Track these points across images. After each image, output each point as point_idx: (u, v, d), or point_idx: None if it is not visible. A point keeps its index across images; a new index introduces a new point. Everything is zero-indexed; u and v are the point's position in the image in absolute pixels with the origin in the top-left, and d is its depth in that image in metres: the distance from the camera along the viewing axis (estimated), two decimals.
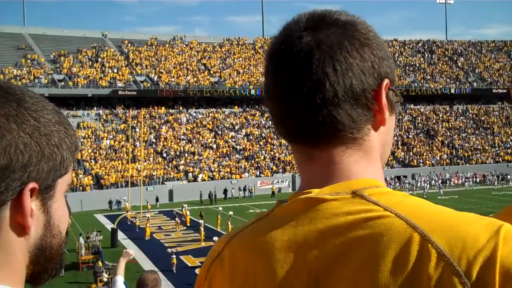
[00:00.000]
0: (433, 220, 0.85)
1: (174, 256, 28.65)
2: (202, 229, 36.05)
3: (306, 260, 0.91)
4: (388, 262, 0.84)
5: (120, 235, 36.90)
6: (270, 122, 73.80)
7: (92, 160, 57.64)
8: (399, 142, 74.51)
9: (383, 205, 0.90)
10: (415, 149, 72.61)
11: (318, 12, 1.00)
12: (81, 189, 52.26)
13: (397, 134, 76.69)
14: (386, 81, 1.00)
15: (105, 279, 25.56)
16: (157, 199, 51.79)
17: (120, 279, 5.69)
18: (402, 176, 64.09)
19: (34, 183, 0.89)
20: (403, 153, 71.68)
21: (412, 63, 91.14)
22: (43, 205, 0.91)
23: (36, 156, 0.89)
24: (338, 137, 0.97)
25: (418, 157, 70.35)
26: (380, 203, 0.91)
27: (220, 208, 44.16)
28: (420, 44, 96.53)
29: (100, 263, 27.15)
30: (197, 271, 27.58)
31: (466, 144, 74.22)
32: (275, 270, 0.94)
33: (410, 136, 75.99)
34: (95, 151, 59.58)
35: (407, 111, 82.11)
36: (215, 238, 31.97)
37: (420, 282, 0.81)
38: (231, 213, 39.84)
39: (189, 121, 71.03)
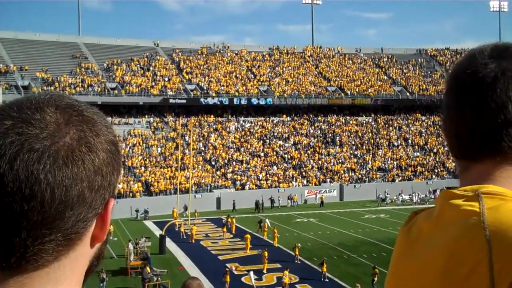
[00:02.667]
0: (507, 229, 0.96)
1: (228, 273, 27.88)
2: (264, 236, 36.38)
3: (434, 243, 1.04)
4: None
5: (168, 242, 37.44)
6: (318, 131, 73.69)
7: (142, 167, 58.67)
8: (450, 152, 73.02)
9: (481, 207, 1.01)
10: None
11: (500, 43, 1.14)
12: (131, 195, 53.27)
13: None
14: None
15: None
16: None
17: None
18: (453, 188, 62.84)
19: (112, 199, 0.98)
20: (453, 164, 70.26)
21: None
22: None
23: (116, 173, 0.97)
24: (497, 155, 1.11)
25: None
26: (482, 203, 1.02)
27: (262, 217, 44.33)
28: None
29: (148, 269, 27.61)
30: (243, 279, 27.84)
31: None
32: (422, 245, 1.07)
33: None
34: (145, 158, 60.64)
35: None
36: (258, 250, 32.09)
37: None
38: (267, 221, 40.16)
39: (238, 129, 71.55)
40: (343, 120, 77.95)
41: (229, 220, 43.36)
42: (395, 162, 69.44)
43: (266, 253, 30.61)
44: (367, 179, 65.27)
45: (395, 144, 74.25)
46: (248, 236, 36.27)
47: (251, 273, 27.19)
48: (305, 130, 73.99)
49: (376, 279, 26.17)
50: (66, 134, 0.92)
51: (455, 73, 1.15)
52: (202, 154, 63.91)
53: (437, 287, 0.98)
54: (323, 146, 71.05)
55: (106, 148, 0.96)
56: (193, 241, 38.80)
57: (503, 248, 0.93)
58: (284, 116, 76.22)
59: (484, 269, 0.93)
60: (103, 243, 1.01)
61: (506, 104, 1.07)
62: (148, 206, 50.49)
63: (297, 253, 32.34)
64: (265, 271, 30.19)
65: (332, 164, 66.79)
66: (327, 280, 28.41)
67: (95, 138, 0.95)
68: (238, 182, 59.38)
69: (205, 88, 74.28)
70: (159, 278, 27.43)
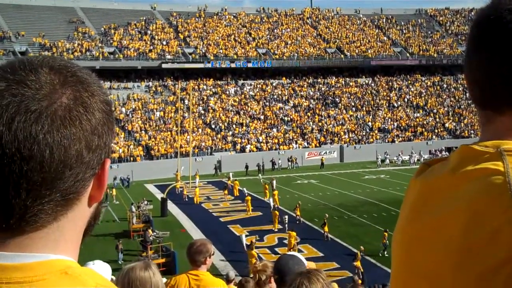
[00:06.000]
0: None
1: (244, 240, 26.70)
2: (276, 197, 36.39)
3: (453, 200, 0.98)
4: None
5: (170, 205, 37.66)
6: (318, 93, 73.46)
7: (143, 131, 58.65)
8: (450, 112, 73.05)
9: (505, 166, 0.96)
10: (466, 119, 71.13)
11: None
12: (131, 159, 53.41)
13: (448, 104, 75.20)
14: None
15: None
16: (216, 169, 53.18)
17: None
18: (453, 148, 62.99)
19: (108, 159, 0.99)
20: (454, 124, 70.32)
21: (465, 32, 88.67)
22: None
23: (111, 134, 0.98)
24: None
25: (470, 128, 68.90)
26: (506, 162, 0.97)
27: (260, 177, 44.52)
28: (473, 13, 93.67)
29: (150, 231, 27.80)
30: (244, 239, 27.99)
31: None
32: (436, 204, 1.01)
33: (461, 106, 74.41)
34: (145, 122, 60.56)
35: (459, 81, 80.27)
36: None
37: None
38: (274, 182, 40.06)
39: (237, 92, 71.29)
40: (343, 82, 77.59)
41: (230, 182, 43.56)
42: (395, 123, 69.36)
43: (294, 234, 27.12)
44: (367, 140, 65.31)
45: (395, 105, 74.06)
46: (249, 198, 36.44)
47: (243, 236, 27.46)
48: (304, 92, 73.71)
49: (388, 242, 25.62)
50: (63, 94, 0.91)
51: (478, 19, 1.10)
52: (202, 118, 63.80)
53: (458, 245, 0.94)
54: (323, 108, 70.88)
55: (101, 108, 0.96)
56: (198, 203, 39.07)
57: None
58: (284, 78, 75.84)
59: (507, 232, 0.89)
60: (100, 203, 1.02)
61: None
62: (148, 170, 50.64)
63: (298, 213, 32.55)
64: (276, 229, 30.63)
65: (332, 125, 66.74)
66: (328, 240, 28.64)
67: (91, 98, 0.95)
68: (238, 145, 59.43)
69: (203, 51, 73.73)
70: (161, 240, 27.65)
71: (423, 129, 68.61)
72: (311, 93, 74.00)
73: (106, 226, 32.08)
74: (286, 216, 31.19)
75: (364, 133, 66.47)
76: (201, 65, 70.96)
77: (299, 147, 61.56)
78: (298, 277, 2.93)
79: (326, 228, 28.71)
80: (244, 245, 26.21)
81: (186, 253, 4.85)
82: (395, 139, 65.92)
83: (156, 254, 25.69)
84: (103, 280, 0.93)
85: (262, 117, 66.36)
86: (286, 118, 67.07)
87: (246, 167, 53.25)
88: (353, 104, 72.65)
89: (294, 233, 27.07)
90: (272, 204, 35.00)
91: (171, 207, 37.61)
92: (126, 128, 58.51)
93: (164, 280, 5.46)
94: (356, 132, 66.44)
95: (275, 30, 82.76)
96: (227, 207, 38.42)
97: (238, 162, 54.29)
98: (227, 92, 70.46)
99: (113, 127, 1.00)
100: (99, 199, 1.00)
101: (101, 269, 4.09)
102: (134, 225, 31.06)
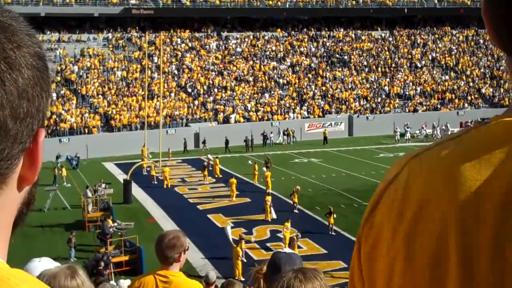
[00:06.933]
0: None
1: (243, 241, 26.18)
2: (269, 180, 36.46)
3: (498, 183, 0.94)
4: None
5: (135, 188, 37.68)
6: (322, 50, 73.31)
7: (100, 96, 58.40)
8: (487, 75, 73.22)
9: None
10: (507, 84, 71.34)
11: None
12: (86, 131, 53.24)
13: (484, 64, 75.32)
14: None
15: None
16: (185, 145, 52.88)
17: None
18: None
19: (43, 129, 0.95)
20: (491, 89, 70.54)
21: None
22: None
23: (46, 96, 0.94)
24: None
25: (511, 94, 69.17)
26: None
27: (249, 162, 44.55)
28: None
29: (110, 221, 27.77)
30: (230, 232, 28.10)
31: None
32: (459, 194, 0.97)
33: (501, 67, 74.54)
34: (104, 84, 60.27)
35: None
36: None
37: None
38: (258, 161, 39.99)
39: (220, 47, 70.96)
40: (353, 35, 77.41)
41: (208, 160, 43.63)
42: (418, 88, 69.50)
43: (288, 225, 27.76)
44: (383, 109, 65.44)
45: (418, 65, 74.10)
46: (234, 180, 36.53)
47: (228, 228, 27.56)
48: (305, 48, 73.52)
49: None
50: None
51: None
52: (176, 79, 63.58)
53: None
54: (328, 68, 70.80)
55: (31, 63, 0.91)
56: (168, 187, 39.13)
57: None
58: (279, 30, 75.51)
59: None
60: (34, 185, 0.99)
61: None
62: (106, 144, 50.50)
63: (296, 200, 32.68)
64: (269, 219, 30.89)
65: (339, 90, 66.75)
66: (333, 233, 28.80)
67: (16, 51, 0.89)
68: (221, 114, 59.37)
69: None
70: (124, 233, 27.68)
71: (453, 96, 68.82)
72: (313, 49, 73.83)
73: (54, 214, 32.05)
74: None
75: (379, 100, 66.59)
76: (174, 13, 70.45)
77: (297, 117, 61.60)
78: (291, 272, 2.96)
79: (331, 219, 28.84)
80: (230, 239, 26.32)
81: (155, 248, 4.85)
82: (418, 107, 66.13)
83: (117, 250, 25.75)
84: (40, 285, 0.89)
85: (251, 79, 66.23)
86: (281, 81, 66.98)
87: (226, 142, 53.21)
88: (365, 63, 72.61)
89: (288, 224, 27.29)
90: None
91: (136, 191, 37.63)
92: (79, 92, 58.28)
93: (127, 282, 5.48)
94: (369, 98, 66.54)
95: None
96: (207, 191, 38.50)
97: (220, 136, 54.31)
98: (207, 47, 70.17)
99: (49, 88, 0.96)
100: (32, 181, 0.97)
101: (48, 268, 4.07)
102: (90, 213, 31.07)
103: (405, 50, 76.66)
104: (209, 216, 32.52)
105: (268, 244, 27.49)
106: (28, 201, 1.00)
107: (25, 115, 0.90)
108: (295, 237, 25.90)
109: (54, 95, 54.14)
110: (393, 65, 73.36)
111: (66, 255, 25.15)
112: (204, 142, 52.66)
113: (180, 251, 4.77)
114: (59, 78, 58.48)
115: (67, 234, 27.67)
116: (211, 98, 61.93)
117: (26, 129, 0.91)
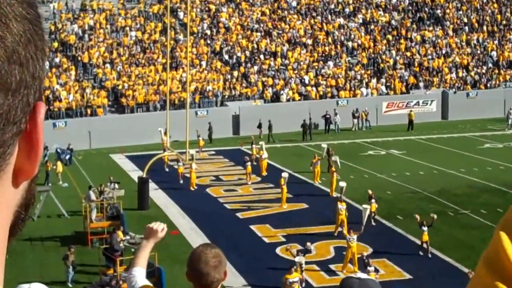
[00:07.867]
0: None
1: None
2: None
3: None
4: None
5: (153, 190, 37.91)
6: (406, 2, 72.80)
7: (107, 66, 58.82)
8: None
9: None
10: None
11: None
12: (89, 112, 53.67)
13: None
14: None
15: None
16: (210, 131, 53.00)
17: (139, 273, 5.71)
18: None
19: (42, 103, 0.95)
20: None
21: None
22: None
23: (42, 57, 0.94)
24: None
25: None
26: None
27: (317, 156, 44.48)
28: None
29: (120, 233, 28.01)
30: (279, 250, 28.16)
31: None
32: None
33: None
34: (111, 49, 60.71)
35: None
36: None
37: None
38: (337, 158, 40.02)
39: None
40: None
41: (254, 152, 43.71)
42: None
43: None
44: (490, 82, 64.81)
45: None
46: (284, 178, 36.42)
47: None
48: (383, 0, 73.10)
49: None
50: None
51: None
52: (208, 43, 63.76)
53: None
54: (413, 27, 70.29)
55: (21, 13, 0.90)
56: (194, 187, 39.32)
57: None
58: None
59: None
60: (33, 180, 0.98)
61: None
62: (116, 130, 50.75)
63: (373, 209, 32.45)
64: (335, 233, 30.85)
65: (429, 57, 66.27)
66: (429, 255, 28.52)
67: None
68: (270, 90, 59.40)
69: None
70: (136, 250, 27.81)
71: None
72: (394, 1, 73.35)
73: (47, 224, 32.47)
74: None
75: (484, 71, 65.95)
76: None
77: (372, 93, 61.38)
78: None
79: (425, 236, 28.38)
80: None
81: (188, 268, 4.73)
82: None
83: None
84: None
85: (309, 42, 66.10)
86: (350, 44, 66.74)
87: (269, 127, 53.13)
88: (465, 20, 71.90)
89: (355, 234, 27.36)
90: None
91: (155, 193, 37.89)
92: (79, 59, 58.77)
93: None
94: (470, 68, 65.94)
95: None
96: (250, 194, 38.60)
97: (267, 118, 54.24)
98: (251, 0, 70.21)
99: (44, 45, 0.94)
100: (31, 173, 0.96)
101: None
102: (94, 223, 31.38)
103: None
104: (252, 227, 32.59)
105: (331, 266, 27.48)
106: (26, 202, 0.99)
107: (18, 85, 0.88)
108: (365, 257, 25.92)
109: (47, 64, 54.64)
110: (504, 22, 72.48)
111: (62, 277, 25.45)
112: (259, 126, 52.59)
113: (224, 269, 4.67)
114: (55, 44, 58.98)
115: (63, 250, 27.98)
116: (256, 68, 61.96)
117: (20, 103, 0.90)
